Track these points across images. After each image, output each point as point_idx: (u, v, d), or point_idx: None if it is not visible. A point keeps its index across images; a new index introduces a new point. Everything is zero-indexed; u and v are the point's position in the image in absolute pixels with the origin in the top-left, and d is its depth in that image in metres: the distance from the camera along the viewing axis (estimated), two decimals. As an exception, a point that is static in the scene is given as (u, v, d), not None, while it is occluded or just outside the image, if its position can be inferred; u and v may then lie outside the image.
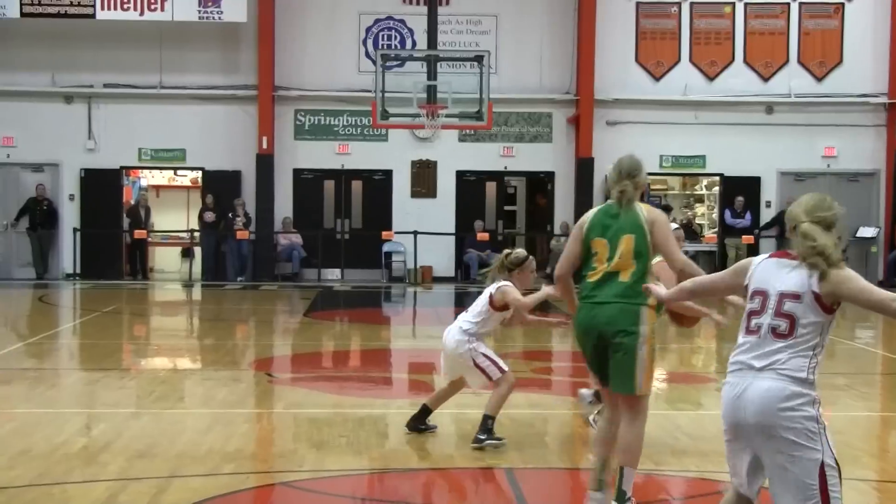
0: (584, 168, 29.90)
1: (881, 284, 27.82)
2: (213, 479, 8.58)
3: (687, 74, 30.39)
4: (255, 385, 13.75)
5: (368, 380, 14.63)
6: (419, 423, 10.41)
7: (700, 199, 32.27)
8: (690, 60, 30.43)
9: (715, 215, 31.16)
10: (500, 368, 9.92)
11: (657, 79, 30.41)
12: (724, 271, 6.19)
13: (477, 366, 9.91)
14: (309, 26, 30.14)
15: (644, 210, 7.65)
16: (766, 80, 30.39)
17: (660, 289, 6.72)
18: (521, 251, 10.14)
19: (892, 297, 5.53)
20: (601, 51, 29.91)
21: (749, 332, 5.76)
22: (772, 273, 5.77)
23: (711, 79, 30.41)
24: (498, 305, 9.96)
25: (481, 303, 10.10)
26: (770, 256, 5.88)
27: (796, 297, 5.64)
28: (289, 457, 9.51)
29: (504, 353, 17.01)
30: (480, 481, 9.06)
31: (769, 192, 29.98)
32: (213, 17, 29.22)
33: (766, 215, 29.78)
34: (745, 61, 30.42)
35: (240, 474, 8.80)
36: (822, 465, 5.52)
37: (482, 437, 9.68)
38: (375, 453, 9.79)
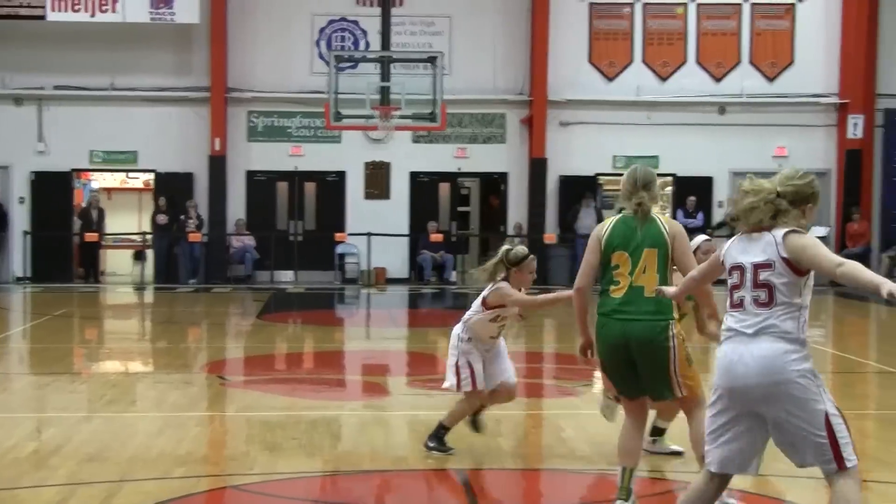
0: (538, 168, 29.93)
1: (834, 283, 28.00)
2: (164, 483, 8.51)
3: (639, 75, 30.49)
4: (208, 388, 13.68)
5: (322, 382, 14.59)
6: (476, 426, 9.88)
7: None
8: (643, 61, 30.53)
9: (668, 215, 31.26)
10: (473, 383, 9.41)
11: (610, 79, 30.49)
12: (707, 261, 6.58)
13: (456, 366, 9.45)
14: (262, 27, 30.03)
15: (666, 223, 7.58)
16: (718, 80, 30.53)
17: (670, 289, 6.99)
18: (521, 248, 9.55)
19: (837, 262, 5.77)
20: (554, 51, 29.95)
21: (734, 306, 6.06)
22: (744, 247, 6.06)
23: (664, 79, 30.52)
24: (491, 305, 9.40)
25: (475, 303, 9.54)
26: (741, 234, 6.12)
27: (768, 265, 5.92)
28: (240, 459, 9.45)
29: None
30: (433, 483, 9.04)
31: (721, 192, 30.10)
32: (166, 19, 29.06)
33: (718, 215, 29.92)
34: (698, 62, 30.54)
35: (191, 478, 8.74)
36: (826, 414, 5.81)
37: (431, 444, 9.55)
38: (328, 455, 9.74)
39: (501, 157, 30.50)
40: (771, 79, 30.54)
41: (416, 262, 30.05)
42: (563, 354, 17.43)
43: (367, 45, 29.83)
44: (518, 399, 13.03)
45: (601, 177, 30.75)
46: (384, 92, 24.69)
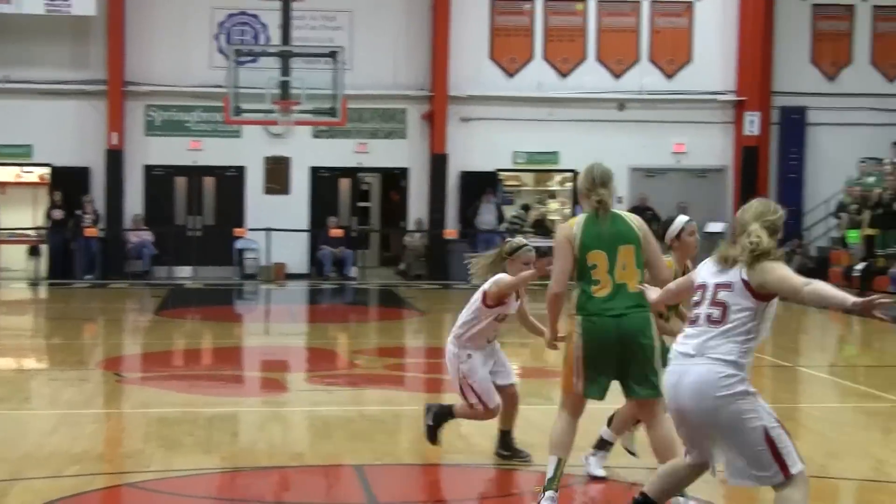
0: (438, 164, 29.93)
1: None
2: (58, 482, 8.36)
3: (540, 71, 30.60)
4: (104, 385, 13.49)
5: (220, 378, 14.47)
6: (504, 450, 9.18)
7: (553, 196, 32.51)
8: (544, 57, 30.65)
9: (568, 211, 31.40)
10: (485, 406, 8.91)
11: (511, 75, 30.58)
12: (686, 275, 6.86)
13: (463, 394, 8.96)
14: (160, 20, 29.69)
15: (633, 220, 7.57)
16: (617, 77, 30.74)
17: (651, 292, 7.02)
18: (519, 238, 9.19)
19: (803, 282, 5.89)
20: (455, 47, 29.96)
21: (690, 322, 6.22)
22: (712, 268, 6.23)
23: (564, 75, 30.67)
24: (492, 302, 8.84)
25: (473, 302, 8.98)
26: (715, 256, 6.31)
27: (728, 285, 6.07)
28: (136, 457, 9.32)
29: (358, 349, 17.01)
30: (331, 479, 8.98)
31: (621, 188, 30.21)
32: (62, 11, 28.61)
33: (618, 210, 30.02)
34: (598, 59, 30.73)
35: (85, 476, 8.60)
36: (765, 429, 5.94)
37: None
38: (226, 452, 9.65)
39: (402, 153, 30.45)
40: (670, 76, 30.82)
41: (316, 257, 29.90)
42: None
43: (268, 39, 29.62)
44: (416, 394, 13.05)
45: (502, 172, 30.82)
46: (284, 86, 24.52)
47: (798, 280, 5.92)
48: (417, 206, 30.47)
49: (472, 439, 10.02)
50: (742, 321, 6.03)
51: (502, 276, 8.77)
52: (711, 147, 30.73)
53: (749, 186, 30.23)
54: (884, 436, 10.89)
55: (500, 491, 8.78)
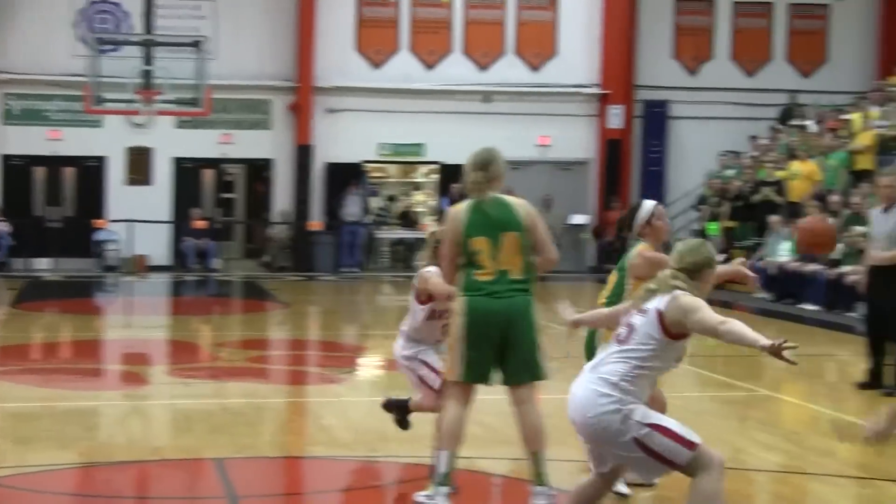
0: (303, 155, 29.75)
1: (595, 270, 28.65)
2: None
3: (406, 63, 30.56)
4: (-44, 379, 13.15)
5: (78, 372, 14.17)
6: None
7: (418, 187, 32.51)
8: (410, 49, 30.63)
9: (434, 203, 31.44)
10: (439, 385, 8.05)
11: (377, 66, 30.50)
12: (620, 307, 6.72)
13: (421, 380, 8.20)
14: (19, 7, 29.04)
15: (519, 207, 7.51)
16: (483, 69, 30.84)
17: (568, 313, 6.93)
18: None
19: (719, 321, 5.99)
20: (321, 38, 29.79)
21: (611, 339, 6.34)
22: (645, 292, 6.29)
23: (430, 67, 30.69)
24: (422, 298, 8.08)
25: (411, 302, 8.29)
26: None
27: (644, 311, 6.14)
28: (-11, 453, 9.08)
29: (221, 341, 16.84)
30: (190, 472, 8.85)
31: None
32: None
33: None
34: (464, 51, 30.80)
35: (-66, 473, 8.36)
36: (635, 440, 6.00)
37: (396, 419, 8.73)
38: (83, 447, 9.46)
39: (267, 144, 30.20)
40: (535, 69, 31.00)
41: (179, 249, 29.53)
42: (326, 342, 17.36)
43: (130, 27, 29.13)
44: (279, 387, 12.97)
45: (367, 164, 30.74)
46: (147, 76, 24.18)
47: (715, 319, 5.99)
48: (282, 198, 30.25)
49: (335, 431, 9.98)
50: (644, 348, 6.10)
51: (425, 272, 8.02)
52: (576, 140, 30.98)
53: (612, 179, 30.59)
54: (740, 423, 11.07)
55: (362, 483, 8.74)
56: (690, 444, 6.04)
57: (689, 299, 6.08)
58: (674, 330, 6.09)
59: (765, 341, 5.78)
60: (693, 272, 6.21)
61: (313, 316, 21.72)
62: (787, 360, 5.76)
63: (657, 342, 6.09)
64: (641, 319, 6.13)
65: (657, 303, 6.11)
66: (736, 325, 5.92)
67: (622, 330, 6.19)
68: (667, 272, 6.24)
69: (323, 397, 12.28)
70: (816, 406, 12.26)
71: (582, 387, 6.14)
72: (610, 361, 6.12)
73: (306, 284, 26.69)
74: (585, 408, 6.06)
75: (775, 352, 5.74)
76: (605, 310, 7.07)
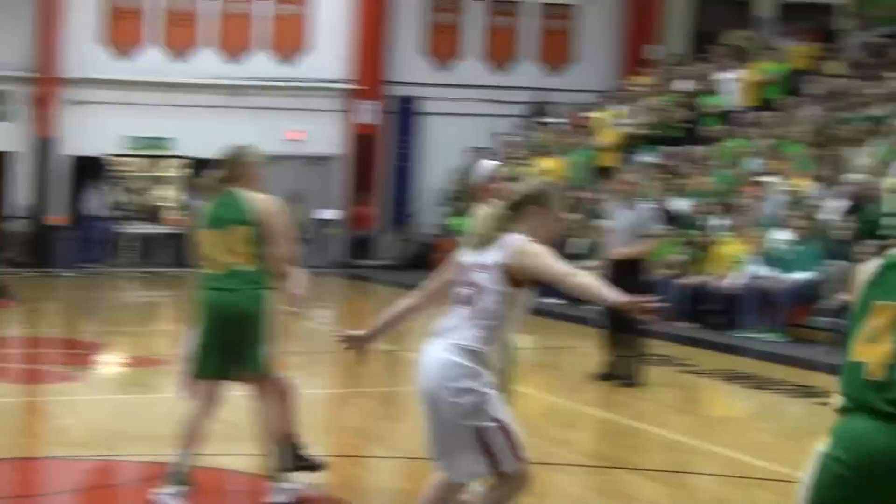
0: (46, 148, 28.96)
1: (346, 266, 28.73)
2: None
3: (156, 55, 30.04)
4: None
5: None
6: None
7: (167, 182, 32.00)
8: (158, 41, 30.12)
9: (184, 197, 31.01)
10: None
11: (124, 58, 29.91)
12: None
13: None
14: None
15: (251, 200, 7.50)
16: (234, 62, 30.55)
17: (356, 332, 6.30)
18: None
19: (567, 271, 5.65)
20: (66, 28, 29.04)
21: (449, 304, 5.88)
22: (470, 247, 5.94)
23: (181, 60, 30.24)
24: None
25: None
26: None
27: (484, 266, 5.74)
28: None
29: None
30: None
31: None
32: None
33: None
34: (214, 44, 30.45)
35: None
36: (477, 430, 5.66)
37: None
38: None
39: (6, 136, 29.27)
40: (286, 63, 30.87)
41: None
42: (63, 339, 16.91)
43: None
44: (13, 386, 12.60)
45: (113, 157, 30.11)
46: None
47: (562, 269, 5.67)
48: (22, 191, 29.35)
49: (72, 431, 9.78)
50: (492, 305, 5.73)
51: None
52: (327, 135, 30.97)
53: (362, 174, 30.72)
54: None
55: (99, 483, 8.58)
56: (521, 457, 5.83)
57: (527, 244, 5.73)
58: (520, 277, 5.73)
59: (619, 298, 5.50)
60: (518, 207, 5.89)
61: (51, 313, 21.17)
62: (644, 319, 5.64)
63: (505, 296, 5.74)
64: (483, 275, 5.75)
65: (495, 256, 5.74)
66: (586, 279, 5.63)
67: (465, 291, 5.79)
68: (488, 212, 6.01)
69: (58, 396, 11.97)
70: (554, 397, 12.56)
71: (430, 354, 5.78)
72: (462, 327, 5.75)
73: (45, 280, 25.93)
74: (436, 375, 5.72)
75: (632, 310, 5.53)
76: (406, 300, 6.28)
